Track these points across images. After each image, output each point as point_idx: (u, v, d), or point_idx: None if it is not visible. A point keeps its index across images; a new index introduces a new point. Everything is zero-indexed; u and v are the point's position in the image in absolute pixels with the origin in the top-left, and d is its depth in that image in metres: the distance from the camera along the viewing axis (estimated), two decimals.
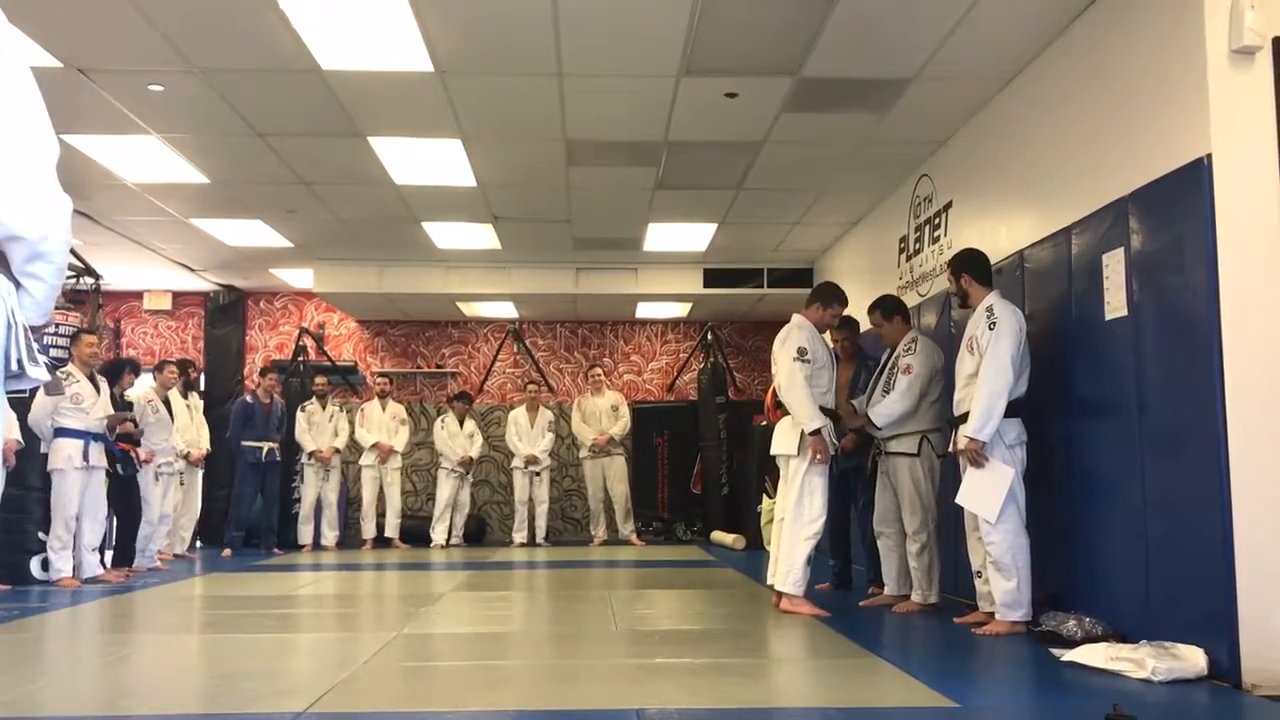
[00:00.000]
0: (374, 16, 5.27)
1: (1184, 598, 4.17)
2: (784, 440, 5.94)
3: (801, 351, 5.85)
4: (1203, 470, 4.01)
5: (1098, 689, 3.79)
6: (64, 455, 7.68)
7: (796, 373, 5.80)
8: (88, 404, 7.79)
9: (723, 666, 4.35)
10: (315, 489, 11.14)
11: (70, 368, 7.83)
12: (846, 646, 4.84)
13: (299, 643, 5.37)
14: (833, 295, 6.20)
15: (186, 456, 9.78)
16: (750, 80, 6.13)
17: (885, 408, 6.01)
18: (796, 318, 6.10)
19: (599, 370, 12.21)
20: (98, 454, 7.89)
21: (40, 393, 7.53)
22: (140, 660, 4.81)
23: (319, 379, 11.59)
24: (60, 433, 7.70)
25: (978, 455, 5.08)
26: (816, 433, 5.74)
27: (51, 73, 5.86)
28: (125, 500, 8.39)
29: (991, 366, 5.03)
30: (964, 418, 5.19)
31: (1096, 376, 4.90)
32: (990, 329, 5.11)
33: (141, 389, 9.05)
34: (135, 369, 8.78)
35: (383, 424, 11.63)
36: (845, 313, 6.41)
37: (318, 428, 11.19)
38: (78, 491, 7.69)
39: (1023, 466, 5.12)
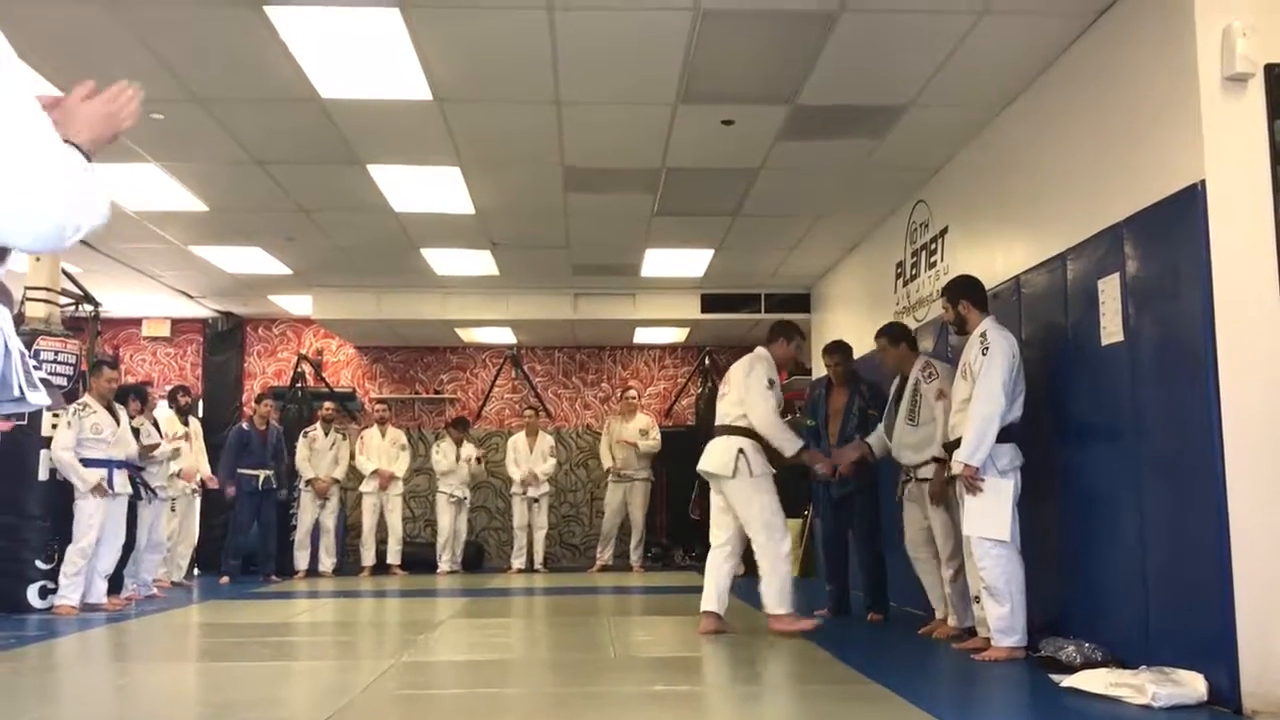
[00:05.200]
0: (373, 46, 5.31)
1: (1183, 623, 4.16)
2: (719, 459, 6.05)
3: (771, 382, 6.07)
4: (1201, 494, 4.01)
5: (1097, 715, 3.79)
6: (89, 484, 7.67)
7: (770, 400, 6.01)
8: (107, 433, 7.81)
9: (722, 693, 4.34)
10: (312, 514, 11.08)
11: (87, 398, 7.85)
12: (845, 673, 4.82)
13: (297, 671, 5.35)
14: (796, 330, 6.50)
15: (202, 483, 9.87)
16: (747, 108, 6.18)
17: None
18: (760, 350, 6.30)
19: (634, 391, 12.13)
20: (121, 482, 7.90)
21: (62, 427, 7.57)
22: (138, 689, 4.79)
23: (326, 405, 11.55)
24: (82, 463, 7.70)
25: (972, 481, 5.09)
26: (798, 455, 6.05)
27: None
28: (126, 527, 8.34)
29: (983, 392, 5.05)
30: (958, 443, 5.20)
31: (1094, 402, 4.91)
32: (983, 354, 5.13)
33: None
34: (141, 396, 8.75)
35: (382, 450, 11.59)
36: (837, 337, 6.50)
37: (318, 455, 11.14)
38: (99, 520, 7.67)
39: (1017, 492, 5.12)
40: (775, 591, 5.87)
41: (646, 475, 11.82)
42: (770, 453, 6.08)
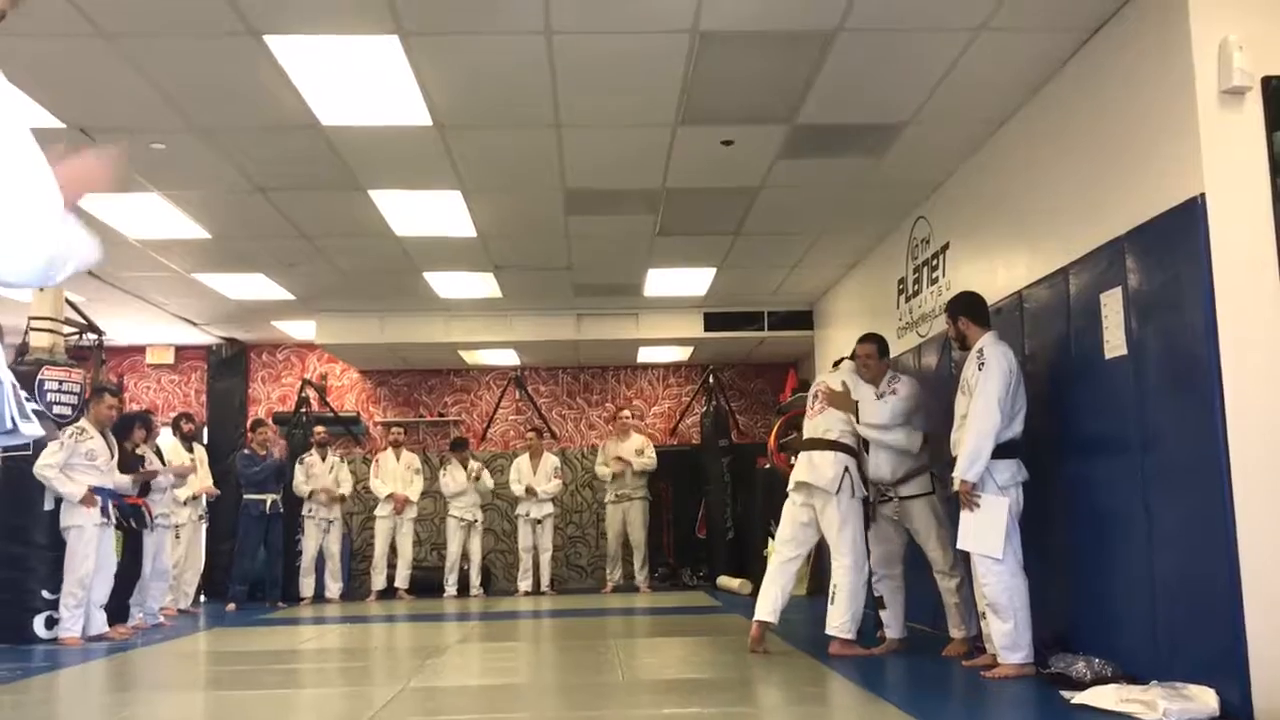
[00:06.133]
0: (373, 73, 5.34)
1: (1193, 637, 4.14)
2: (827, 473, 6.00)
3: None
4: (1207, 508, 4.00)
5: None
6: (81, 512, 7.63)
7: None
8: (101, 461, 7.79)
9: (732, 716, 4.32)
10: (316, 540, 11.07)
11: (84, 424, 7.83)
12: (855, 692, 4.80)
13: (304, 698, 5.33)
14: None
15: (209, 506, 9.95)
16: (746, 128, 6.19)
17: (878, 414, 6.04)
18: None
19: (628, 413, 12.13)
20: (113, 510, 7.89)
21: (54, 447, 7.54)
22: (144, 719, 4.78)
23: (318, 429, 11.55)
24: None
25: (968, 497, 5.07)
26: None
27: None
28: (130, 556, 8.33)
29: (979, 407, 5.03)
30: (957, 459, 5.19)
31: (1098, 415, 4.90)
32: (979, 370, 5.12)
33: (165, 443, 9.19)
34: (146, 423, 8.75)
35: (397, 474, 11.55)
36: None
37: (316, 480, 11.12)
38: (94, 549, 7.64)
39: (1018, 508, 5.09)
40: (848, 616, 5.88)
41: (644, 494, 11.78)
42: None
